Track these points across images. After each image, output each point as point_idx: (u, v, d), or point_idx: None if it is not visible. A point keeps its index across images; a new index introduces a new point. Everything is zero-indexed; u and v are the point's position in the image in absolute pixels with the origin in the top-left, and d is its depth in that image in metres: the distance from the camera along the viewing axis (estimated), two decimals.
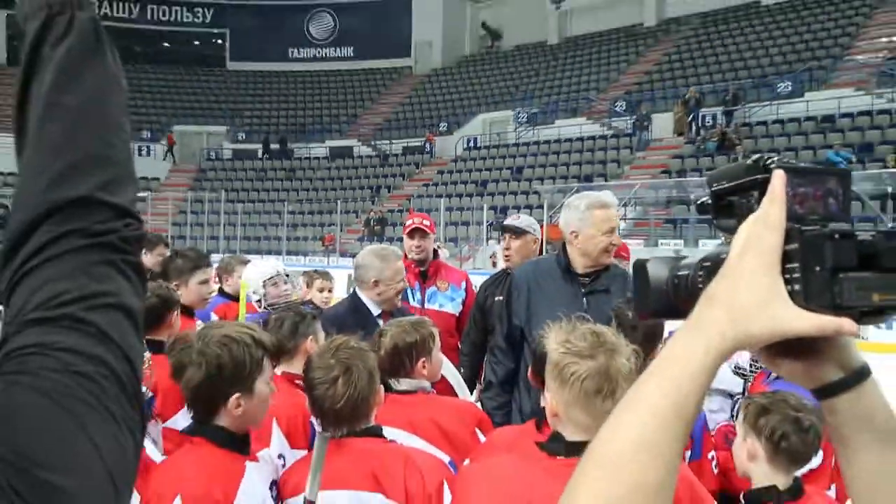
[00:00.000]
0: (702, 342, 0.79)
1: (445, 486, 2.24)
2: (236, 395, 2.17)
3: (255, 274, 4.92)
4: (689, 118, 26.50)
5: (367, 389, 2.32)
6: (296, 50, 42.46)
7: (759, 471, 2.44)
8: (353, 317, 3.82)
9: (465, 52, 41.10)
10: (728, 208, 1.00)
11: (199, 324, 4.34)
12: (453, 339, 4.66)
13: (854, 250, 0.76)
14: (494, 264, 20.27)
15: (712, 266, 0.92)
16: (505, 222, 4.77)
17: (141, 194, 32.45)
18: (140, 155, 35.92)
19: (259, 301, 4.81)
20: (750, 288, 0.78)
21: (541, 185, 26.14)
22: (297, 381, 2.89)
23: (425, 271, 4.71)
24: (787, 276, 0.79)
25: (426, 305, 4.65)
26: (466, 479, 2.10)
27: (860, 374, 0.84)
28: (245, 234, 29.41)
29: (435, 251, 4.88)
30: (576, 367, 1.85)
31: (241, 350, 2.18)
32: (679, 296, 1.02)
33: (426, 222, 4.80)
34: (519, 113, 32.70)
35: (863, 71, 25.46)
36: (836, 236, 0.76)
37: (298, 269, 21.46)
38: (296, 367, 3.00)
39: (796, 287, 0.78)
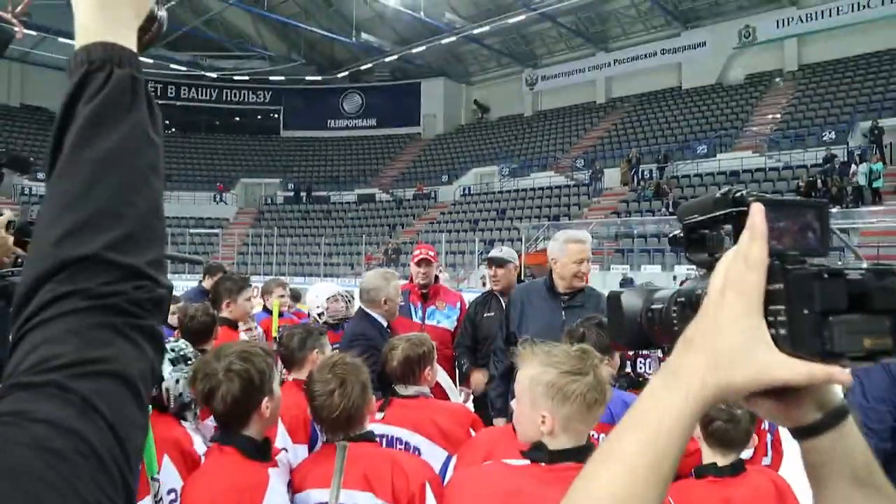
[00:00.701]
0: (681, 391, 0.59)
1: (428, 487, 1.97)
2: (266, 398, 1.94)
3: (321, 292, 4.64)
4: (632, 172, 26.42)
5: (360, 400, 2.07)
6: (333, 121, 42.35)
7: (705, 450, 2.20)
8: (373, 330, 3.61)
9: (461, 122, 41.04)
10: (700, 242, 0.77)
11: (243, 336, 4.08)
12: (448, 351, 4.43)
13: (844, 291, 0.55)
14: (484, 284, 20.13)
15: (686, 302, 0.71)
16: (491, 255, 4.44)
17: (214, 231, 32.63)
18: (215, 202, 36.03)
19: (321, 314, 4.54)
20: (732, 331, 0.57)
21: (520, 223, 25.96)
22: (305, 387, 2.72)
23: (426, 293, 4.45)
24: (771, 318, 0.57)
25: (426, 322, 4.39)
26: (458, 485, 1.82)
27: (839, 414, 0.63)
28: (292, 260, 29.13)
29: (436, 276, 4.62)
30: (576, 384, 1.60)
31: (261, 360, 1.95)
32: (653, 328, 0.78)
33: (431, 253, 4.56)
34: (502, 168, 32.58)
35: (757, 138, 25.65)
36: (826, 275, 0.55)
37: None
38: (304, 374, 2.76)
39: (781, 331, 0.56)
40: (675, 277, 18.60)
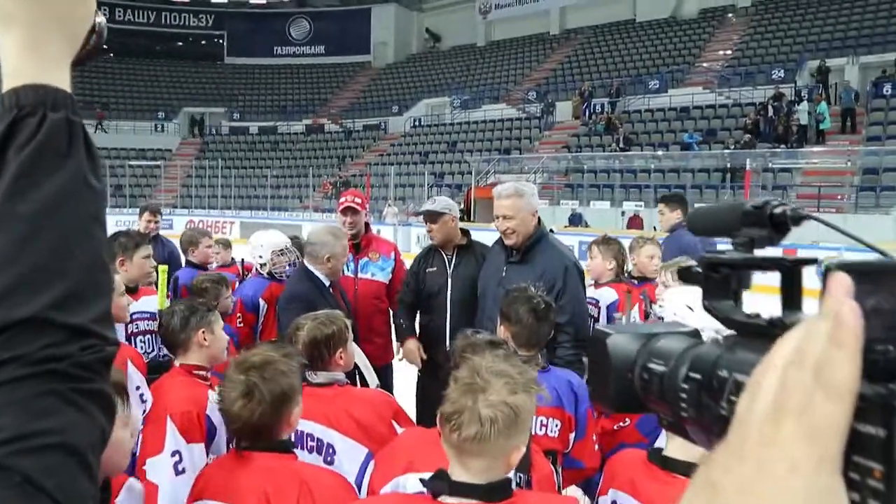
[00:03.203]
0: None
1: None
2: None
3: (266, 243, 4.13)
4: (584, 106, 25.96)
5: (270, 414, 1.65)
6: (279, 48, 40.32)
7: None
8: (313, 291, 3.30)
9: (412, 51, 39.60)
10: (724, 286, 0.52)
11: (151, 299, 3.56)
12: (383, 304, 4.01)
13: None
14: None
15: (705, 382, 0.47)
16: (424, 208, 3.91)
17: (156, 162, 31.08)
18: (157, 131, 34.37)
19: (263, 265, 4.08)
20: (786, 492, 0.33)
21: (470, 156, 25.43)
22: (195, 372, 2.25)
23: (358, 244, 3.97)
24: (855, 476, 0.33)
25: (359, 275, 3.93)
26: None
27: None
28: (238, 193, 28.12)
29: (367, 225, 4.14)
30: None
31: None
32: (649, 395, 0.56)
33: (357, 200, 4.02)
34: (454, 99, 31.65)
35: (708, 74, 25.41)
36: None
37: (279, 221, 20.19)
38: (192, 358, 2.31)
39: None
40: (623, 213, 18.52)
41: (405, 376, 4.12)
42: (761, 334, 0.44)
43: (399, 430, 2.13)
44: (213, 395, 2.17)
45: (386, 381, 3.78)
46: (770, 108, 20.45)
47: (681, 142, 21.46)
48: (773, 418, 0.35)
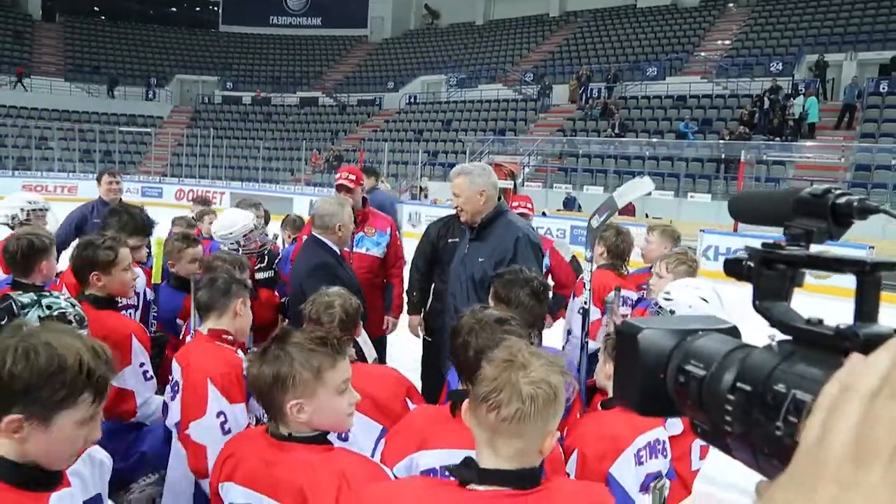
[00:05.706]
0: None
1: None
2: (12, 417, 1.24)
3: (249, 221, 3.96)
4: (581, 90, 25.83)
5: (267, 390, 1.60)
6: (275, 17, 39.68)
7: (611, 386, 2.13)
8: (331, 259, 3.40)
9: (410, 27, 39.15)
10: (778, 281, 0.48)
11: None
12: (377, 279, 4.14)
13: None
14: (426, 196, 19.79)
15: (755, 395, 0.43)
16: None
17: (147, 129, 30.63)
18: (148, 98, 33.82)
19: (239, 244, 3.93)
20: None
21: (465, 135, 25.33)
22: (224, 336, 2.34)
23: (354, 219, 3.99)
24: None
25: (354, 249, 4.05)
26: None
27: None
28: (229, 164, 27.80)
29: (364, 200, 4.18)
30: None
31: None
32: (684, 399, 0.51)
33: (352, 177, 4.08)
34: (450, 77, 31.36)
35: (706, 64, 25.29)
36: None
37: (270, 194, 19.93)
38: (223, 323, 2.38)
39: None
40: None
41: (399, 349, 4.22)
42: (826, 345, 0.39)
43: (412, 406, 2.13)
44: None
45: (381, 354, 3.90)
46: (766, 100, 20.46)
47: (676, 130, 21.47)
48: (855, 456, 0.29)
